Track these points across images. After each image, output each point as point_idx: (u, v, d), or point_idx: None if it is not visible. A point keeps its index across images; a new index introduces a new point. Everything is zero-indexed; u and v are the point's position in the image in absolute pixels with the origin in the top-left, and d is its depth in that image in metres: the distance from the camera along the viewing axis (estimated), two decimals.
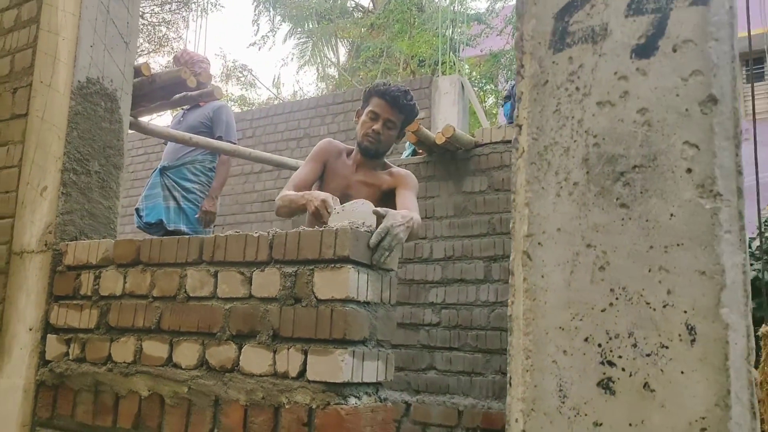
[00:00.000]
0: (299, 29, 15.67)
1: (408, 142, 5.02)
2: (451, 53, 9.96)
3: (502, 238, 3.44)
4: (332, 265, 1.79)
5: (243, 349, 1.89)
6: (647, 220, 0.77)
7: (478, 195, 3.57)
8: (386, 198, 2.68)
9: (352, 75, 13.17)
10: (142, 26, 19.12)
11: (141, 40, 19.43)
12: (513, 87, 5.41)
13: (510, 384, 0.82)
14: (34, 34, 2.71)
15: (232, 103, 22.74)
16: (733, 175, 0.77)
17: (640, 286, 0.76)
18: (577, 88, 0.83)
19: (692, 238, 0.74)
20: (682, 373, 0.72)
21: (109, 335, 2.19)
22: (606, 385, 0.76)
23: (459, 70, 8.65)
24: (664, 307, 0.74)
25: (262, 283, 1.90)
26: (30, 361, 2.36)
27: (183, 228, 4.36)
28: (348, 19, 14.82)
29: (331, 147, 2.83)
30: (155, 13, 19.28)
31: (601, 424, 0.74)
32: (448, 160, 3.69)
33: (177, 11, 18.71)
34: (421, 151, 3.77)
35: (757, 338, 3.43)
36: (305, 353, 1.78)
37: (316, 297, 1.80)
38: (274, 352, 1.83)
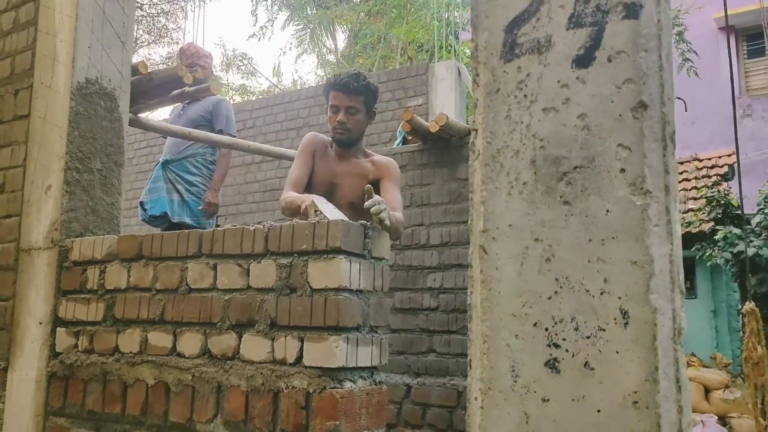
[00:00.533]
0: (296, 17, 15.66)
1: (399, 130, 5.09)
2: (450, 37, 9.97)
3: None
4: (325, 256, 1.87)
5: (243, 338, 1.98)
6: (587, 216, 0.84)
7: None
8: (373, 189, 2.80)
9: (350, 62, 13.18)
10: (140, 17, 19.13)
11: (140, 32, 19.45)
12: None
13: (470, 366, 0.90)
14: (33, 36, 2.78)
15: (233, 92, 22.76)
16: (661, 174, 0.84)
17: (581, 276, 0.83)
18: (525, 96, 0.91)
19: (625, 231, 0.81)
20: (617, 352, 0.80)
21: (116, 327, 2.28)
22: (552, 365, 0.84)
23: (456, 55, 8.66)
24: (602, 294, 0.82)
25: (259, 274, 1.99)
26: (41, 354, 2.46)
27: (187, 220, 4.46)
28: (346, 5, 14.81)
29: (316, 139, 2.94)
30: (154, 4, 19.29)
31: (548, 400, 0.82)
32: (442, 147, 3.76)
33: (175, 1, 18.72)
34: (411, 138, 3.83)
35: (743, 315, 3.51)
36: (301, 340, 1.86)
37: (310, 287, 1.88)
38: (272, 340, 1.92)
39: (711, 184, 8.21)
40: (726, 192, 7.89)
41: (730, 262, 7.19)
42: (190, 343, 2.08)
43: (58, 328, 2.45)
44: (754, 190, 8.63)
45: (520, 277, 0.86)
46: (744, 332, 3.58)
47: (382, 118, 6.49)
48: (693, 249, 7.84)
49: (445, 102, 6.17)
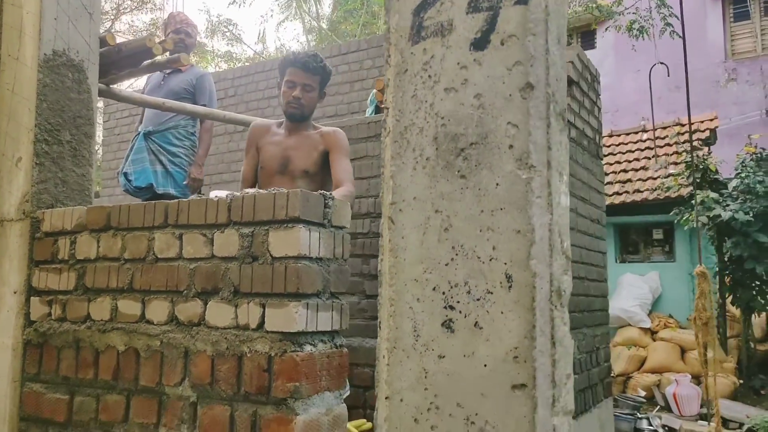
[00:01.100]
0: None
1: (370, 99, 5.11)
2: None
3: None
4: (285, 225, 1.93)
5: (208, 305, 2.05)
6: (479, 189, 0.90)
7: None
8: (323, 161, 2.91)
9: (334, 29, 13.07)
10: None
11: None
12: None
13: (379, 327, 0.97)
14: None
15: (219, 59, 22.50)
16: (544, 149, 0.90)
17: (474, 244, 0.89)
18: (430, 76, 0.96)
19: (512, 203, 0.88)
20: (502, 313, 0.87)
21: (87, 296, 2.34)
22: (448, 325, 0.91)
23: None
24: (491, 260, 0.89)
25: (222, 243, 2.05)
26: (16, 322, 2.53)
27: (171, 191, 4.51)
28: None
29: (256, 129, 3.13)
30: None
31: (443, 357, 0.90)
32: None
33: None
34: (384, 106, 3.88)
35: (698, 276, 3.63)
36: (263, 307, 1.93)
37: (271, 255, 1.94)
38: (236, 306, 1.99)
39: (686, 149, 8.28)
40: (705, 157, 7.97)
41: (707, 226, 7.32)
42: (158, 310, 2.15)
43: (32, 298, 2.50)
44: (731, 154, 8.73)
45: (422, 245, 0.92)
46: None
47: (363, 86, 6.49)
48: (671, 213, 7.95)
49: None
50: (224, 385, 1.97)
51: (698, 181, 7.81)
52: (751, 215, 7.12)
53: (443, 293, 0.91)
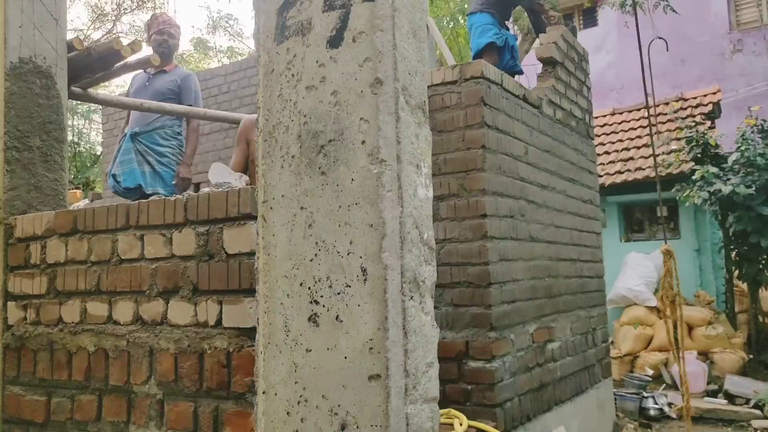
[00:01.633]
0: None
1: None
2: None
3: (448, 178, 3.57)
4: (238, 223, 1.95)
5: (169, 304, 2.07)
6: (338, 185, 0.91)
7: None
8: None
9: None
10: None
11: None
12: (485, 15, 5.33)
13: (257, 323, 0.98)
14: None
15: (221, 54, 22.53)
16: (393, 144, 0.90)
17: (334, 239, 0.90)
18: (293, 75, 0.96)
19: (365, 197, 0.88)
20: (359, 306, 0.88)
21: (59, 299, 2.38)
22: (314, 320, 0.92)
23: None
24: (348, 254, 0.89)
25: (180, 242, 2.07)
26: None
27: (160, 191, 4.56)
28: None
29: (248, 123, 3.14)
30: None
31: (310, 351, 0.91)
32: None
33: None
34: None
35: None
36: (221, 304, 1.95)
37: (226, 252, 1.96)
38: (195, 304, 2.01)
39: (692, 124, 8.18)
40: (705, 132, 7.87)
41: (708, 202, 7.24)
42: (124, 310, 2.18)
43: (8, 303, 2.55)
44: (732, 127, 8.61)
45: (290, 242, 0.93)
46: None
47: None
48: (673, 190, 7.87)
49: None
50: (188, 381, 2.00)
51: (699, 156, 7.73)
52: (753, 188, 7.04)
53: (309, 288, 0.92)
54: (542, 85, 4.60)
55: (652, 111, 10.10)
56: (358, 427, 0.85)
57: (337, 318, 0.89)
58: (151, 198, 2.24)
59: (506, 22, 5.54)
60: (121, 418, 2.15)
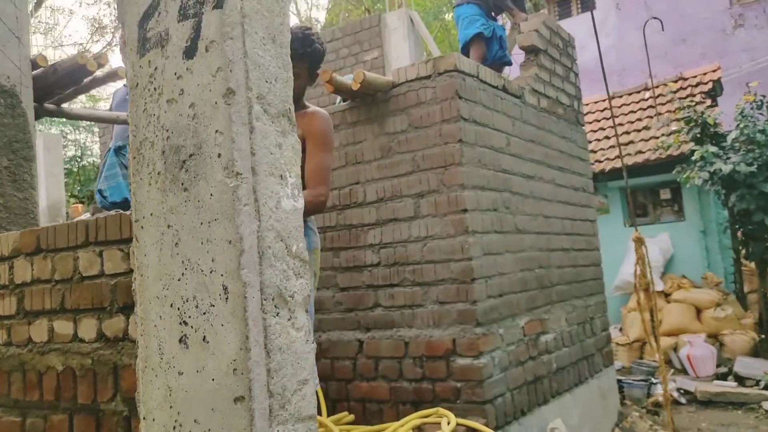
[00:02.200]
0: None
1: None
2: None
3: (427, 174, 3.53)
4: None
5: (130, 320, 2.05)
6: (199, 201, 0.87)
7: (400, 134, 3.65)
8: (302, 147, 2.72)
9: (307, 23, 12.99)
10: None
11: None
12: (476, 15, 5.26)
13: (137, 346, 0.95)
14: None
15: None
16: (248, 156, 0.86)
17: (198, 257, 0.87)
18: (155, 89, 0.93)
19: (223, 212, 0.85)
20: (222, 325, 0.85)
21: (27, 319, 2.37)
22: (184, 341, 0.89)
23: (406, 3, 8.50)
24: (211, 272, 0.86)
25: None
26: None
27: None
28: None
29: None
30: None
31: (182, 373, 0.88)
32: (370, 103, 3.75)
33: None
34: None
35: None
36: None
37: None
38: None
39: (688, 104, 8.05)
40: (703, 111, 7.75)
41: (709, 182, 7.13)
42: (88, 328, 2.17)
43: None
44: (730, 106, 8.47)
45: (159, 262, 0.90)
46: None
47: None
48: (674, 172, 7.76)
49: (400, 52, 6.10)
50: None
51: (698, 136, 7.61)
52: (754, 166, 6.92)
53: (178, 309, 0.89)
54: (525, 74, 4.54)
55: (652, 93, 9.97)
56: None
57: (204, 339, 0.87)
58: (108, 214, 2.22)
59: (493, 13, 5.47)
60: None
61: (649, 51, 10.59)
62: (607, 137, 9.55)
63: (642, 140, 9.00)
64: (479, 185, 3.54)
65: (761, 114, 7.55)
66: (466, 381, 3.34)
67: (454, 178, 3.41)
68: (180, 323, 0.89)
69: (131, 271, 2.07)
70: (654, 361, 7.28)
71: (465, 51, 5.14)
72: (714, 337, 7.50)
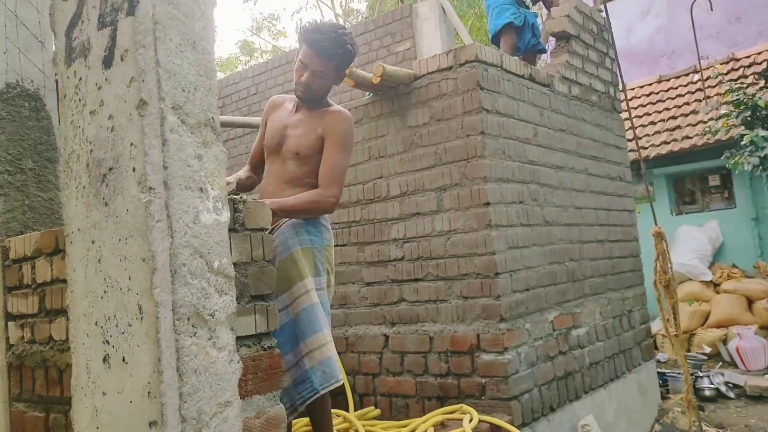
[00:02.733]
0: None
1: None
2: None
3: (449, 167, 3.47)
4: None
5: None
6: (117, 216, 0.85)
7: (422, 128, 3.59)
8: (320, 144, 2.66)
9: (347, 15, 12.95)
10: None
11: None
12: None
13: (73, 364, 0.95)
14: None
15: (266, 54, 22.81)
16: (160, 170, 0.83)
17: (117, 274, 0.85)
18: (80, 100, 0.91)
19: (138, 229, 0.82)
20: (138, 346, 0.82)
21: (48, 317, 2.44)
22: (107, 361, 0.87)
23: None
24: (128, 291, 0.84)
25: None
26: (0, 346, 2.67)
27: None
28: None
29: (271, 104, 2.89)
30: None
31: (106, 394, 0.86)
32: (392, 96, 3.71)
33: None
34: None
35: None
36: None
37: None
38: None
39: (739, 86, 7.70)
40: (753, 93, 7.39)
41: (760, 167, 6.81)
42: None
43: (9, 323, 2.63)
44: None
45: (86, 278, 0.89)
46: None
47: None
48: (722, 157, 7.45)
49: (432, 43, 6.02)
50: None
51: (748, 119, 7.27)
52: None
53: (102, 327, 0.88)
54: (555, 61, 4.41)
55: (700, 75, 9.58)
56: None
57: (123, 359, 0.85)
58: None
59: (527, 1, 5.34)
60: None
61: (701, 31, 10.18)
62: (653, 122, 9.25)
63: (689, 125, 8.68)
64: (503, 177, 3.46)
65: None
66: (491, 377, 3.29)
67: (477, 170, 3.35)
68: (103, 342, 0.88)
69: None
70: (701, 353, 7.04)
71: (496, 41, 5.03)
72: (766, 329, 7.20)
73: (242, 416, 1.94)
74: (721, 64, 9.70)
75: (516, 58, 3.85)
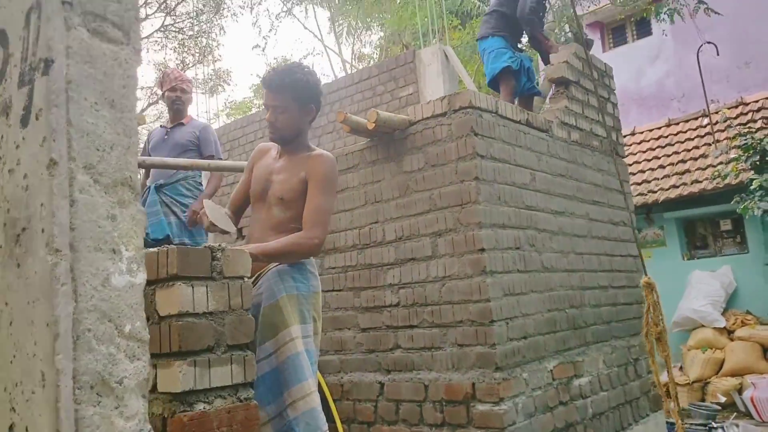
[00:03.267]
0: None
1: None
2: (438, 20, 9.63)
3: (443, 213, 3.45)
4: (168, 283, 1.92)
5: None
6: (27, 279, 0.83)
7: (417, 173, 3.59)
8: (304, 188, 2.67)
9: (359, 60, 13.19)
10: (182, 40, 19.78)
11: (184, 54, 20.16)
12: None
13: None
14: None
15: None
16: (67, 231, 0.81)
17: (25, 339, 0.83)
18: (1, 158, 0.90)
19: (44, 292, 0.80)
20: (40, 416, 0.79)
21: None
22: (12, 430, 0.84)
23: (442, 39, 8.46)
24: (34, 356, 0.81)
25: None
26: None
27: (186, 240, 4.67)
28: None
29: (257, 151, 2.95)
30: (193, 24, 19.86)
31: None
32: (387, 141, 3.72)
33: (210, 20, 19.23)
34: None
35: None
36: (155, 367, 1.91)
37: (158, 314, 1.93)
38: None
39: (747, 130, 7.66)
40: (762, 138, 7.34)
41: None
42: None
43: None
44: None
45: (8, 339, 0.87)
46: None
47: None
48: (732, 202, 7.36)
49: (435, 88, 6.08)
50: None
51: (757, 164, 7.20)
52: None
53: (9, 394, 0.85)
54: (554, 106, 4.42)
55: (709, 119, 9.55)
56: None
57: (26, 429, 0.82)
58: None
59: (518, 45, 5.39)
60: None
61: (710, 75, 10.20)
62: (662, 166, 9.20)
63: (699, 169, 8.62)
64: (498, 223, 3.43)
65: None
66: (487, 428, 3.20)
67: (471, 216, 3.32)
68: (10, 410, 0.85)
69: None
70: (715, 403, 6.83)
71: (494, 85, 5.06)
72: None
73: None
74: (729, 108, 9.69)
75: (512, 104, 3.86)
